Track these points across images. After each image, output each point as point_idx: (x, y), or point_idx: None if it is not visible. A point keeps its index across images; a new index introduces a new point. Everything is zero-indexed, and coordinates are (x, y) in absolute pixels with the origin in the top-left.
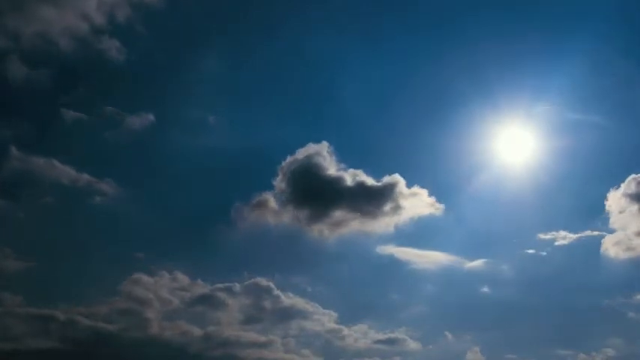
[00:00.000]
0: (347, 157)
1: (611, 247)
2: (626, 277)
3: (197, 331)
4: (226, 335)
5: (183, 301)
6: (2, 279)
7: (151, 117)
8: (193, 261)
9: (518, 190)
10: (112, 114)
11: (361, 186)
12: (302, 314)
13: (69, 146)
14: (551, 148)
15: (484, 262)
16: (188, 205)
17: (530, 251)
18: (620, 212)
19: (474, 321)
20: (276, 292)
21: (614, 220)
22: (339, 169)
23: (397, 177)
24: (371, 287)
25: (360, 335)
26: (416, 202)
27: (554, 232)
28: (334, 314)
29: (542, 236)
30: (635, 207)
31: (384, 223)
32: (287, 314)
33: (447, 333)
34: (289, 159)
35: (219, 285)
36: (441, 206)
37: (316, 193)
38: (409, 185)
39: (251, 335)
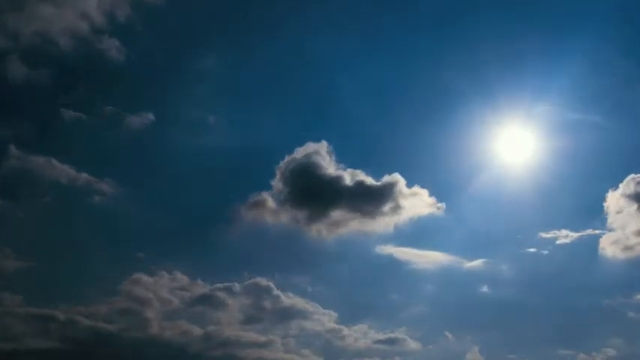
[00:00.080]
0: (346, 156)
1: (612, 247)
2: (627, 277)
3: (197, 331)
4: (226, 335)
5: (183, 301)
6: (2, 279)
7: (151, 116)
8: (193, 261)
9: (519, 190)
10: (111, 113)
11: (361, 185)
12: (302, 314)
13: (69, 146)
14: (551, 148)
15: (485, 261)
16: (188, 205)
17: (532, 250)
18: (621, 211)
19: (474, 321)
20: (276, 292)
21: (616, 219)
22: (338, 169)
23: (397, 176)
24: (371, 287)
25: (360, 335)
26: (416, 202)
27: (555, 231)
28: (334, 314)
29: (543, 235)
30: (634, 206)
31: (384, 223)
32: (287, 314)
33: (447, 333)
34: (288, 158)
35: (219, 285)
36: (441, 206)
37: (315, 193)
38: (409, 185)
39: (251, 335)
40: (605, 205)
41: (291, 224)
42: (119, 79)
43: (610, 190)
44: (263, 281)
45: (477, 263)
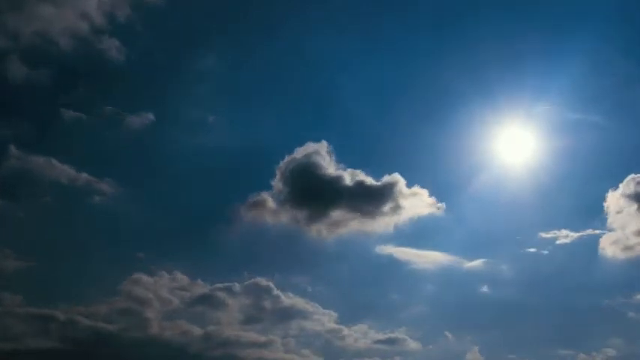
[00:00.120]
0: (346, 156)
1: (613, 247)
2: (627, 277)
3: (197, 331)
4: (226, 335)
5: (183, 301)
6: (2, 279)
7: (151, 116)
8: (193, 261)
9: (519, 190)
10: (111, 113)
11: (361, 185)
12: (302, 314)
13: (69, 146)
14: (551, 148)
15: (485, 261)
16: (188, 205)
17: (532, 250)
18: (621, 211)
19: (475, 321)
20: (276, 292)
21: (616, 219)
22: (338, 169)
23: (397, 176)
24: (371, 287)
25: (360, 335)
26: (416, 202)
27: (555, 231)
28: (334, 314)
29: (543, 235)
30: (634, 206)
31: (384, 223)
32: (287, 314)
33: (447, 333)
34: (288, 158)
35: (219, 285)
36: (441, 206)
37: (315, 193)
38: (409, 185)
39: (251, 335)
40: (605, 205)
41: (291, 224)
42: (119, 79)
43: (610, 190)
44: (263, 281)
45: (477, 263)
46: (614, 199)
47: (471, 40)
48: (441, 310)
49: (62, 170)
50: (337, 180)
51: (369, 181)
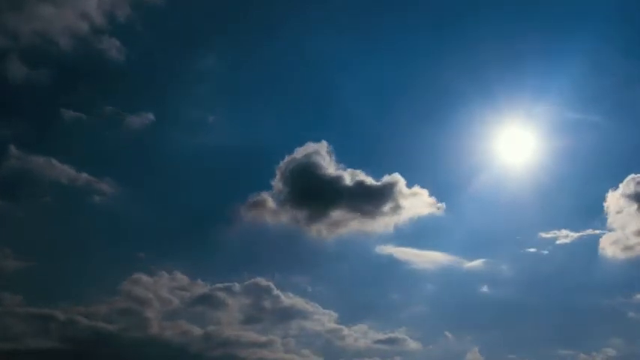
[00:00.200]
0: (346, 156)
1: (613, 247)
2: (627, 277)
3: (197, 331)
4: (226, 335)
5: (183, 301)
6: (2, 278)
7: (151, 116)
8: (193, 261)
9: (519, 190)
10: (111, 113)
11: (361, 185)
12: (302, 314)
13: (69, 146)
14: (551, 148)
15: (485, 261)
16: (188, 205)
17: (532, 250)
18: (621, 211)
19: (475, 321)
20: (276, 292)
21: (616, 219)
22: (338, 169)
23: (397, 176)
24: (371, 287)
25: (360, 335)
26: (416, 202)
27: (555, 231)
28: (334, 314)
29: (543, 235)
30: (634, 206)
31: (384, 223)
32: (287, 314)
33: (447, 333)
34: (288, 158)
35: (219, 285)
36: (441, 206)
37: (315, 193)
38: (409, 185)
39: (251, 335)
40: (605, 205)
41: (291, 224)
42: (119, 79)
43: (610, 190)
44: (263, 281)
45: (477, 263)
46: (614, 199)
47: (471, 40)
48: (441, 310)
49: (62, 170)
50: (337, 180)
51: (369, 181)
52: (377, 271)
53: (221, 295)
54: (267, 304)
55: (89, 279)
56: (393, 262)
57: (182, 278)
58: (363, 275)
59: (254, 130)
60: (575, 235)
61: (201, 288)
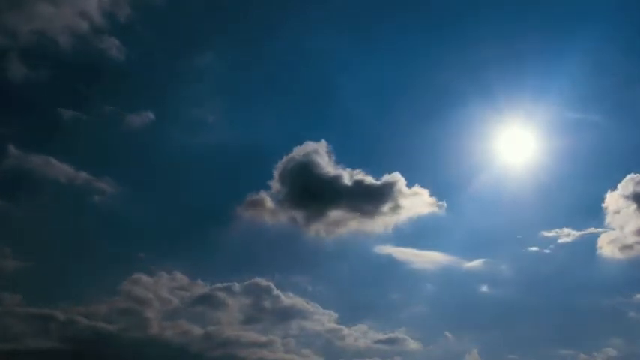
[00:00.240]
0: (346, 156)
1: (614, 245)
2: (628, 276)
3: (197, 331)
4: (226, 335)
5: (183, 300)
6: (1, 278)
7: (151, 115)
8: (193, 261)
9: (519, 189)
10: (111, 113)
11: (360, 185)
12: (302, 314)
13: (68, 145)
14: (551, 148)
15: (486, 261)
16: (187, 205)
17: (533, 249)
18: (621, 210)
19: (475, 321)
20: (276, 291)
21: (617, 218)
22: (337, 168)
23: (397, 176)
24: (371, 287)
25: (360, 335)
26: (416, 202)
27: (557, 230)
28: (334, 314)
29: (545, 234)
30: (634, 206)
31: (383, 223)
32: (287, 314)
33: (447, 333)
34: (287, 157)
35: (219, 285)
36: (442, 205)
37: (314, 192)
38: (410, 185)
39: (251, 335)
40: (606, 203)
41: (290, 224)
42: (119, 78)
43: (610, 190)
44: (263, 281)
45: (478, 263)
46: (615, 198)
47: (471, 40)
48: (442, 310)
49: (62, 170)
50: (336, 179)
51: (369, 180)
52: (377, 271)
53: (221, 295)
54: (267, 304)
55: (89, 279)
56: (393, 262)
57: (182, 278)
58: (363, 275)
59: (253, 130)
60: (577, 233)
61: (201, 288)
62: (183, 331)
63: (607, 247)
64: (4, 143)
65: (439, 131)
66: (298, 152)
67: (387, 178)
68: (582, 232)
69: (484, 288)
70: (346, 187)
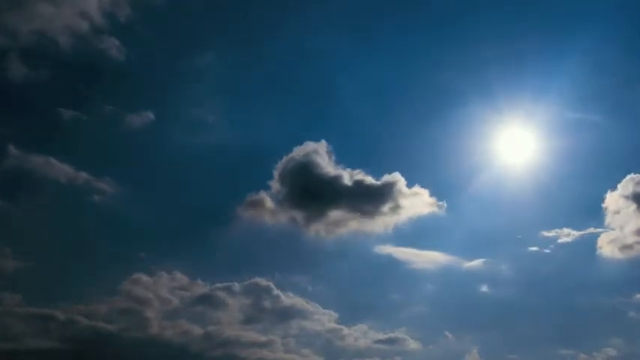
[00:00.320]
0: (346, 156)
1: (614, 245)
2: (629, 276)
3: (197, 331)
4: (226, 335)
5: (183, 300)
6: (1, 278)
7: (151, 115)
8: (193, 261)
9: (519, 189)
10: (111, 113)
11: (360, 185)
12: (302, 314)
13: (68, 145)
14: (551, 148)
15: (486, 261)
16: (187, 205)
17: (534, 249)
18: (621, 210)
19: (475, 321)
20: (276, 291)
21: (617, 218)
22: (337, 168)
23: (397, 176)
24: (371, 287)
25: (360, 335)
26: (416, 202)
27: (557, 230)
28: (334, 314)
29: (545, 234)
30: (634, 206)
31: (383, 223)
32: (287, 314)
33: (447, 333)
34: (287, 157)
35: (219, 285)
36: (442, 205)
37: (314, 192)
38: (409, 185)
39: (251, 335)
40: (606, 203)
41: (290, 224)
42: (119, 78)
43: (610, 190)
44: (263, 281)
45: (478, 262)
46: (615, 198)
47: (471, 40)
48: (442, 310)
49: (61, 170)
50: (336, 179)
51: (369, 180)
52: (377, 271)
53: (221, 295)
54: (267, 304)
55: (89, 279)
56: (392, 262)
57: (182, 278)
58: (363, 275)
59: (253, 130)
60: (577, 233)
61: (201, 288)
62: (183, 331)
63: (607, 247)
64: (4, 143)
65: (439, 131)
66: (298, 152)
67: (387, 178)
68: (582, 232)
69: (484, 288)
70: (346, 187)
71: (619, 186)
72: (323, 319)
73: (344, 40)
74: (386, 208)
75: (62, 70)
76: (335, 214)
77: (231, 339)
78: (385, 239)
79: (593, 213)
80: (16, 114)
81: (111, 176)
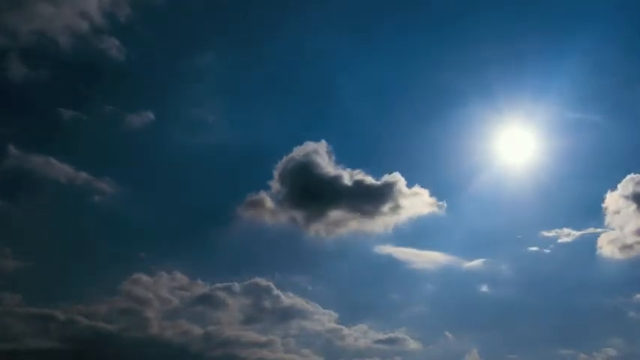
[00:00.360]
0: (346, 156)
1: (614, 245)
2: (629, 276)
3: (197, 331)
4: (226, 335)
5: (183, 300)
6: (1, 278)
7: (151, 115)
8: (193, 261)
9: (519, 189)
10: (111, 113)
11: (360, 185)
12: (302, 314)
13: (68, 145)
14: (551, 148)
15: (486, 261)
16: (187, 205)
17: (534, 249)
18: (622, 210)
19: (475, 321)
20: (276, 291)
21: (617, 218)
22: (337, 168)
23: (397, 176)
24: (371, 287)
25: (360, 335)
26: (416, 202)
27: (557, 230)
28: (334, 314)
29: (545, 234)
30: (634, 205)
31: (384, 223)
32: (287, 314)
33: (447, 333)
34: (287, 157)
35: (219, 285)
36: (442, 205)
37: (314, 192)
38: (409, 185)
39: (251, 335)
40: (606, 204)
41: (290, 224)
42: (119, 78)
43: (609, 190)
44: (263, 281)
45: (478, 262)
46: (615, 198)
47: (471, 40)
48: (442, 310)
49: (61, 170)
50: (336, 179)
51: (369, 180)
52: (377, 271)
53: (221, 295)
54: (267, 304)
55: (89, 279)
56: (392, 262)
57: (182, 278)
58: (363, 275)
59: (253, 130)
60: (577, 233)
61: (201, 288)
62: (183, 331)
63: (607, 247)
64: (4, 143)
65: (439, 131)
66: (298, 152)
67: (387, 178)
68: (582, 232)
69: (484, 288)
70: (346, 187)
71: (619, 186)
72: (323, 319)
73: (344, 40)
74: (386, 208)
75: (62, 70)
76: (335, 214)
77: (231, 339)
78: (385, 239)
79: (593, 213)
80: (16, 114)
81: (111, 176)
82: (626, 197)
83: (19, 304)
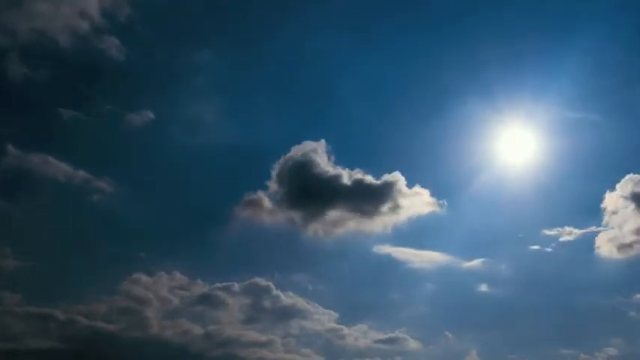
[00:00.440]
0: (345, 155)
1: (615, 244)
2: (630, 275)
3: (197, 331)
4: (227, 335)
5: (183, 300)
6: (1, 278)
7: (151, 115)
8: (192, 261)
9: (520, 189)
10: (111, 112)
11: (360, 185)
12: (302, 314)
13: (67, 144)
14: (551, 148)
15: (487, 260)
16: (187, 204)
17: (535, 247)
18: (622, 209)
19: (475, 321)
20: (276, 291)
21: (617, 217)
22: (336, 168)
23: (397, 175)
24: (371, 287)
25: (360, 335)
26: (416, 201)
27: (559, 228)
28: (334, 314)
29: (546, 232)
30: (634, 205)
31: (383, 223)
32: (287, 314)
33: (447, 333)
34: (286, 157)
35: (219, 285)
36: (442, 204)
37: (313, 192)
38: (410, 185)
39: (251, 335)
40: (607, 202)
41: (289, 224)
42: (119, 77)
43: (608, 191)
44: (263, 281)
45: (480, 262)
46: (616, 197)
47: (471, 40)
48: (442, 310)
49: (61, 169)
50: (335, 179)
51: (368, 179)
52: (377, 271)
53: (221, 294)
54: (267, 303)
55: (89, 279)
56: (392, 262)
57: (182, 278)
58: (363, 275)
59: (252, 130)
60: (579, 232)
61: (201, 288)
62: (183, 331)
63: (607, 246)
64: (3, 143)
65: (439, 131)
66: (296, 151)
67: (386, 177)
68: (584, 231)
69: (484, 288)
70: (345, 187)
71: (617, 186)
72: (323, 318)
73: (344, 40)
74: (385, 207)
75: (62, 70)
76: (334, 213)
77: (231, 339)
78: (385, 239)
79: (595, 211)
80: (16, 114)
81: (110, 176)
82: (628, 197)
83: (19, 303)
